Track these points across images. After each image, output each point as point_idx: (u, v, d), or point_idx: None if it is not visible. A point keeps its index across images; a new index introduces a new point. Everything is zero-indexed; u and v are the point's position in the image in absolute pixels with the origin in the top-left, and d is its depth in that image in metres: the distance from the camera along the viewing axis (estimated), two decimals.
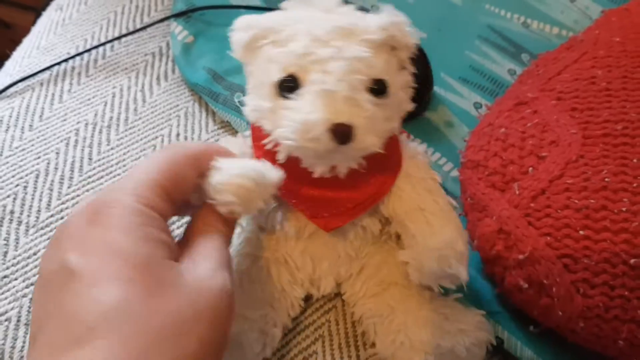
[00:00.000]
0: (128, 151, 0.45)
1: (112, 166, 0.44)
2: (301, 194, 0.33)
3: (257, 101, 0.32)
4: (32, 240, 0.40)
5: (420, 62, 0.40)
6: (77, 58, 0.51)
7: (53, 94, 0.48)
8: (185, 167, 0.28)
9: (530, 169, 0.36)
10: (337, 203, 0.33)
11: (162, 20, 0.53)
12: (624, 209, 0.33)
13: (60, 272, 0.22)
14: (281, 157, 0.31)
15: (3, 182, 0.43)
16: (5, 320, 0.37)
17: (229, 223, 0.29)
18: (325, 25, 0.31)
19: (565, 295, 0.33)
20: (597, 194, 0.34)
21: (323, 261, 0.36)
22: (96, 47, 0.51)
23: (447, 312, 0.35)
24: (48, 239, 0.40)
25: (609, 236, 0.32)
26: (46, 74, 0.50)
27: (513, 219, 0.35)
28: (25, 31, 0.57)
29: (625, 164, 0.34)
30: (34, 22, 0.58)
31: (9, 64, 0.52)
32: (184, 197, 0.28)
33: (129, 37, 0.53)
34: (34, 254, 0.39)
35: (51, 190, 0.43)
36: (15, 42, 0.56)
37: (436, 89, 0.50)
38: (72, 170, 0.44)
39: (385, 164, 0.33)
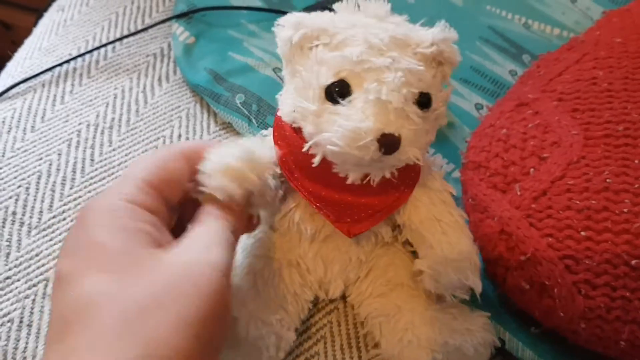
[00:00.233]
0: (130, 152, 0.46)
1: (114, 167, 0.44)
2: (323, 197, 0.33)
3: (301, 102, 0.31)
4: (34, 241, 0.40)
5: None
6: (79, 59, 0.51)
7: (55, 95, 0.48)
8: (174, 163, 0.28)
9: (532, 169, 0.36)
10: (357, 209, 0.33)
11: (163, 22, 0.53)
12: (625, 210, 0.33)
13: (55, 280, 0.24)
14: (317, 160, 0.31)
15: (5, 183, 0.43)
16: (8, 321, 0.37)
17: (233, 211, 0.29)
18: (381, 34, 0.30)
19: (567, 296, 0.33)
20: (599, 194, 0.34)
21: (335, 264, 0.36)
22: (98, 48, 0.51)
23: (454, 312, 0.35)
24: (50, 240, 0.40)
25: (610, 237, 0.32)
26: (48, 75, 0.50)
27: (514, 220, 0.35)
28: (26, 32, 0.57)
29: (627, 165, 0.34)
30: (34, 23, 0.58)
31: (10, 65, 0.52)
32: (180, 193, 0.29)
33: (131, 38, 0.53)
34: (36, 255, 0.40)
35: (53, 191, 0.43)
36: (16, 43, 0.56)
37: None
38: (74, 172, 0.44)
39: (405, 173, 0.33)
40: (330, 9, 0.52)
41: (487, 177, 0.38)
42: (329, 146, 0.30)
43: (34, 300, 0.38)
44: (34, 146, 0.45)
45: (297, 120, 0.32)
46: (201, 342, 0.23)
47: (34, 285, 0.38)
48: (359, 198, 0.33)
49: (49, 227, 0.41)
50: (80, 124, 0.47)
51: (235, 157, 0.28)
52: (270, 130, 0.35)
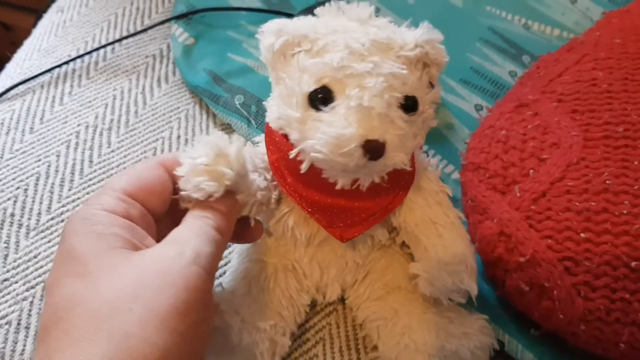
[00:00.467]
0: (129, 154, 0.45)
1: (112, 169, 0.44)
2: (315, 202, 0.33)
3: (285, 110, 0.31)
4: (32, 243, 0.40)
5: None
6: (78, 60, 0.51)
7: (54, 97, 0.48)
8: (151, 171, 0.29)
9: (531, 171, 0.36)
10: (351, 213, 0.33)
11: (162, 23, 0.53)
12: (624, 211, 0.33)
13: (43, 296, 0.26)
14: (304, 167, 0.31)
15: (4, 184, 0.43)
16: (6, 323, 0.37)
17: (215, 209, 0.29)
18: (362, 38, 0.30)
19: (566, 298, 0.33)
20: (598, 196, 0.34)
21: (331, 268, 0.36)
22: (97, 49, 0.51)
23: (452, 316, 0.35)
24: (49, 241, 0.40)
25: (609, 239, 0.32)
26: (47, 77, 0.50)
27: (514, 222, 0.35)
28: (26, 33, 0.57)
29: (626, 167, 0.34)
30: (34, 24, 0.58)
31: (9, 66, 0.52)
32: (162, 200, 0.29)
33: (130, 39, 0.53)
34: (35, 257, 0.39)
35: (52, 193, 0.43)
36: (15, 44, 0.56)
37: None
38: (72, 173, 0.44)
39: (399, 176, 0.33)
40: None
41: (487, 179, 0.38)
42: (313, 153, 0.29)
43: (31, 302, 0.38)
44: (33, 148, 0.45)
45: (283, 127, 0.32)
46: (180, 336, 0.23)
47: (32, 287, 0.38)
48: (352, 202, 0.33)
49: (47, 228, 0.41)
50: (79, 125, 0.47)
51: (202, 155, 0.28)
52: (263, 136, 0.35)
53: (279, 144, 0.32)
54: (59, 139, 0.46)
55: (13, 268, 0.39)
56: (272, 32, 0.32)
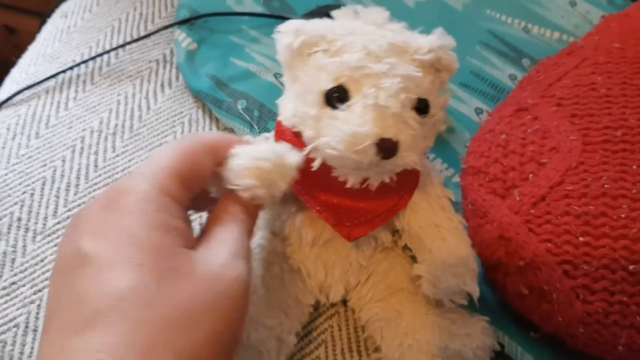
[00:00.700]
0: (133, 158, 0.46)
1: (117, 173, 0.45)
2: (322, 201, 0.34)
3: (301, 107, 0.31)
4: (39, 247, 0.41)
5: None
6: (82, 66, 0.52)
7: (59, 102, 0.49)
8: (203, 155, 0.27)
9: (531, 175, 0.37)
10: (357, 213, 0.34)
11: (165, 28, 0.54)
12: (623, 215, 0.33)
13: (75, 257, 0.23)
14: (316, 164, 0.31)
15: (10, 189, 0.43)
16: (14, 326, 0.37)
17: (250, 211, 0.29)
18: (380, 40, 0.31)
19: (565, 301, 0.33)
20: (597, 200, 0.34)
21: (335, 269, 0.37)
22: (101, 54, 0.52)
23: (454, 317, 0.36)
24: (55, 245, 0.41)
25: (608, 242, 0.33)
26: (52, 82, 0.50)
27: (514, 226, 0.35)
28: (30, 36, 0.58)
29: (625, 171, 0.35)
30: (38, 28, 0.59)
31: (15, 71, 0.53)
32: (202, 186, 0.28)
33: (133, 45, 0.54)
34: (42, 260, 0.40)
35: (57, 197, 0.43)
36: (19, 48, 0.57)
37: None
38: (78, 178, 0.44)
39: (404, 178, 0.33)
40: (330, 15, 0.52)
41: (487, 183, 0.39)
42: (327, 150, 0.30)
43: (39, 305, 0.38)
44: (39, 152, 0.46)
45: (297, 124, 0.32)
46: (223, 358, 0.23)
47: (39, 291, 0.39)
48: (358, 202, 0.34)
49: (53, 232, 0.41)
50: (84, 130, 0.47)
51: (265, 159, 0.28)
52: (272, 134, 0.35)
53: (289, 142, 0.33)
54: (64, 144, 0.46)
55: (20, 272, 0.39)
56: (290, 32, 0.32)
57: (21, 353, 0.36)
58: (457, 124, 0.50)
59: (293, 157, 0.29)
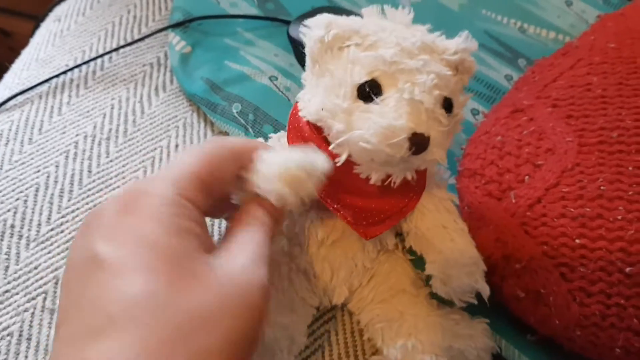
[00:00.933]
0: (127, 163, 0.46)
1: (111, 179, 0.45)
2: (339, 200, 0.34)
3: (332, 100, 0.31)
4: (32, 254, 0.40)
5: None
6: (76, 70, 0.51)
7: (52, 107, 0.49)
8: (225, 161, 0.27)
9: (527, 177, 0.36)
10: (369, 213, 0.34)
11: (159, 31, 0.54)
12: (619, 217, 0.33)
13: (88, 261, 0.22)
14: (342, 159, 0.31)
15: (3, 196, 0.43)
16: (8, 335, 0.37)
17: (275, 215, 0.28)
18: (412, 38, 0.31)
19: (562, 304, 0.33)
20: (593, 202, 0.34)
21: (341, 270, 0.37)
22: (94, 58, 0.52)
23: (457, 318, 0.36)
24: (49, 252, 0.41)
25: (604, 244, 0.33)
26: (45, 87, 0.50)
27: (510, 228, 0.35)
28: (25, 39, 0.58)
29: (621, 172, 0.34)
30: (33, 31, 0.59)
31: (7, 76, 0.52)
32: (223, 192, 0.28)
33: (127, 48, 0.53)
34: (35, 268, 0.40)
35: (51, 203, 0.43)
36: (14, 50, 0.57)
37: None
38: (71, 184, 0.44)
39: (416, 180, 0.33)
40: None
41: (483, 185, 0.38)
42: (361, 143, 0.30)
43: (33, 313, 0.38)
44: (32, 158, 0.45)
45: (324, 118, 0.32)
46: None
47: (33, 299, 0.38)
48: (369, 203, 0.34)
49: (47, 239, 0.41)
50: (77, 135, 0.47)
51: (295, 163, 0.28)
52: (282, 133, 0.35)
53: (307, 139, 0.33)
54: (57, 150, 0.46)
55: (14, 279, 0.39)
56: (322, 25, 0.32)
57: None
58: None
59: (323, 161, 0.29)
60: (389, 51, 0.30)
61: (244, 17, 0.55)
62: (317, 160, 0.28)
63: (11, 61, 0.55)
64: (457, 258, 0.33)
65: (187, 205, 0.24)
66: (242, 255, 0.25)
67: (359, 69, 0.31)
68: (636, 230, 0.32)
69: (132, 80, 0.51)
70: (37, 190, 0.43)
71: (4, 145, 0.46)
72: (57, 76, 0.50)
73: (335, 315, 0.39)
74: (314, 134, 0.32)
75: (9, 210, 0.42)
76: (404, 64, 0.30)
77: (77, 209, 0.43)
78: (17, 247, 0.41)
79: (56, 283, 0.39)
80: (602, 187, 0.34)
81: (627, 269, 0.32)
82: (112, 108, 0.49)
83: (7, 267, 0.40)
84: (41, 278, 0.39)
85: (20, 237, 0.41)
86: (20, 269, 0.40)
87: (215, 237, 0.42)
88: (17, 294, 0.39)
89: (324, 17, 0.32)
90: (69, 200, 0.43)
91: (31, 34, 0.58)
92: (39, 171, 0.45)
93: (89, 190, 0.44)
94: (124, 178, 0.45)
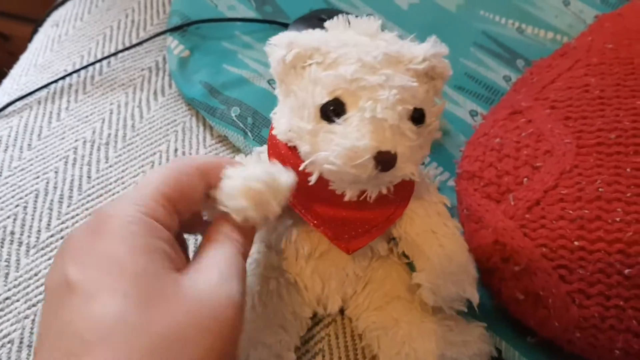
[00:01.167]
0: (126, 168, 0.46)
1: (110, 184, 0.45)
2: (319, 214, 0.33)
3: (296, 122, 0.31)
4: (32, 261, 0.40)
5: None
6: (74, 75, 0.51)
7: (51, 112, 0.49)
8: (192, 178, 0.27)
9: (525, 179, 0.36)
10: (354, 224, 0.34)
11: (157, 35, 0.54)
12: (617, 219, 0.33)
13: (61, 286, 0.23)
14: (314, 179, 0.31)
15: (3, 202, 0.43)
16: (8, 342, 0.37)
17: (245, 233, 0.28)
18: (374, 51, 0.30)
19: (561, 306, 0.33)
20: (591, 204, 0.34)
21: (332, 281, 0.37)
22: (93, 63, 0.52)
23: (451, 324, 0.36)
24: (49, 259, 0.41)
25: (603, 246, 0.33)
26: (43, 92, 0.50)
27: (509, 231, 0.35)
28: (24, 43, 0.58)
29: (619, 174, 0.34)
30: (31, 36, 0.59)
31: (6, 82, 0.52)
32: (192, 209, 0.28)
33: (125, 53, 0.53)
34: (35, 274, 0.40)
35: (51, 210, 0.43)
36: (13, 54, 0.57)
37: None
38: (71, 189, 0.44)
39: (400, 187, 0.33)
40: (324, 20, 0.52)
41: (481, 187, 0.38)
42: (326, 165, 0.30)
43: (33, 320, 0.38)
44: (31, 164, 0.45)
45: (292, 139, 0.32)
46: None
47: (34, 305, 0.39)
48: (355, 214, 0.33)
49: (47, 246, 0.41)
50: (76, 140, 0.47)
51: (258, 180, 0.27)
52: (265, 147, 0.35)
53: (284, 156, 0.32)
54: (57, 155, 0.46)
55: (14, 286, 0.39)
56: (283, 45, 0.32)
57: None
58: (451, 127, 0.49)
59: (286, 177, 0.29)
60: (349, 68, 0.30)
61: (241, 20, 0.55)
62: (280, 175, 0.28)
63: (10, 65, 0.55)
64: (444, 266, 0.33)
65: (153, 224, 0.25)
66: (211, 272, 0.25)
67: (320, 89, 0.30)
68: (635, 232, 0.32)
69: (130, 85, 0.51)
70: (36, 196, 0.44)
71: (3, 152, 0.46)
72: (55, 81, 0.50)
73: (335, 319, 0.39)
74: (290, 151, 0.32)
75: (8, 217, 0.42)
76: (365, 81, 0.29)
77: (77, 215, 0.43)
78: (17, 254, 0.41)
79: None
80: (600, 189, 0.34)
81: (626, 271, 0.32)
82: (111, 113, 0.49)
83: (7, 274, 0.40)
84: (42, 285, 0.39)
85: (20, 243, 0.41)
86: (21, 276, 0.40)
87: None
88: (17, 301, 0.39)
89: (286, 36, 0.32)
90: (68, 206, 0.43)
91: (30, 38, 0.58)
92: (38, 177, 0.45)
93: (89, 195, 0.44)
94: (123, 183, 0.45)
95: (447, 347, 0.34)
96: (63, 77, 0.51)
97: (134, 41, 0.54)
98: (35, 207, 0.43)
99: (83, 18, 0.57)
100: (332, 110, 0.30)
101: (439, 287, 0.34)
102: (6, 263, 0.40)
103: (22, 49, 0.57)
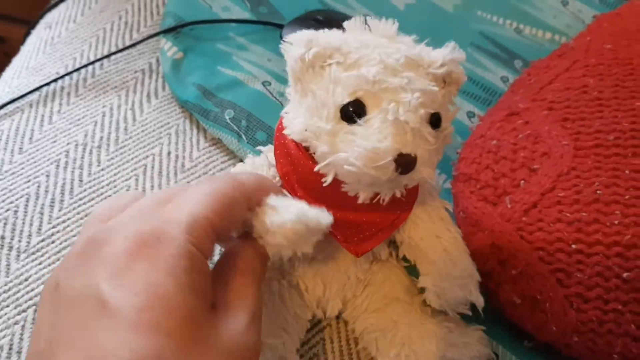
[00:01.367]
0: (119, 172, 0.45)
1: (102, 187, 0.44)
2: None
3: (314, 122, 0.30)
4: (23, 266, 0.40)
5: None
6: (67, 77, 0.51)
7: (43, 115, 0.48)
8: (237, 204, 0.26)
9: (522, 181, 0.36)
10: (360, 228, 0.33)
11: (151, 37, 0.53)
12: (616, 221, 0.33)
13: (89, 300, 0.21)
14: (329, 180, 0.31)
15: None
16: None
17: (264, 260, 0.28)
18: (396, 54, 0.30)
19: (559, 310, 0.32)
20: (589, 206, 0.33)
21: (333, 284, 0.36)
22: (85, 66, 0.51)
23: (451, 326, 0.35)
24: (39, 264, 0.40)
25: (601, 249, 0.32)
26: (35, 95, 0.50)
27: (505, 234, 0.35)
28: (20, 45, 0.57)
29: (617, 176, 0.34)
30: (24, 38, 0.58)
31: None
32: (230, 234, 0.28)
33: (118, 55, 0.53)
34: (26, 280, 0.39)
35: (42, 214, 0.42)
36: (9, 56, 0.56)
37: None
38: (62, 193, 0.44)
39: (407, 191, 0.33)
40: (319, 21, 0.52)
41: (478, 190, 0.38)
42: (346, 166, 0.29)
43: (23, 326, 0.37)
44: (22, 168, 0.45)
45: (309, 139, 0.31)
46: None
47: (24, 311, 0.38)
48: (362, 216, 0.33)
49: (38, 250, 0.41)
50: (68, 144, 0.46)
51: (301, 224, 0.27)
52: (270, 147, 0.35)
53: (294, 157, 0.32)
54: (48, 159, 0.45)
55: (4, 292, 0.39)
56: (302, 42, 0.31)
57: None
58: None
59: (326, 219, 0.28)
60: (371, 70, 0.29)
61: (236, 21, 0.55)
62: (320, 217, 0.28)
63: (5, 68, 0.54)
64: (450, 270, 0.33)
65: (198, 256, 0.23)
66: (242, 313, 0.25)
67: (341, 90, 0.30)
68: (633, 235, 0.32)
69: (123, 87, 0.51)
70: (27, 200, 0.43)
71: None
72: (47, 84, 0.50)
73: (331, 323, 0.39)
74: (300, 152, 0.32)
75: None
76: (387, 83, 0.29)
77: (68, 219, 0.42)
78: (7, 259, 0.40)
79: None
80: (598, 191, 0.34)
81: (625, 274, 0.31)
82: (104, 116, 0.49)
83: None
84: (32, 290, 0.39)
85: (11, 248, 0.41)
86: (11, 281, 0.39)
87: None
88: (7, 306, 0.38)
89: (305, 34, 0.31)
90: (59, 210, 0.43)
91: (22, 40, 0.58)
92: (29, 181, 0.44)
93: (80, 199, 0.43)
94: (115, 187, 0.44)
95: (447, 348, 0.34)
96: (55, 80, 0.50)
97: (127, 43, 0.54)
98: (26, 211, 0.42)
99: (76, 20, 0.56)
100: (353, 111, 0.29)
101: (444, 290, 0.33)
102: None
103: (18, 51, 0.56)
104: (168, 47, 0.52)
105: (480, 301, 0.33)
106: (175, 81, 0.50)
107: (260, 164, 0.35)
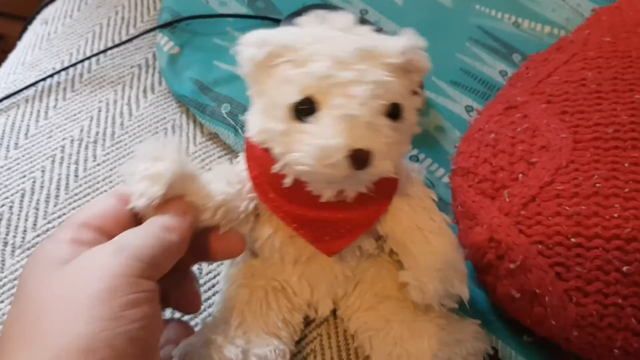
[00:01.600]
0: (114, 167, 0.45)
1: (98, 182, 0.44)
2: (299, 216, 0.32)
3: (267, 123, 0.30)
4: (18, 261, 0.40)
5: None
6: (63, 73, 0.51)
7: (38, 111, 0.48)
8: (100, 202, 0.30)
9: (521, 175, 0.36)
10: (336, 225, 0.33)
11: (147, 32, 0.53)
12: (615, 215, 0.32)
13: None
14: (288, 180, 0.30)
15: None
16: None
17: (163, 211, 0.29)
18: (347, 46, 0.30)
19: (558, 305, 0.32)
20: (589, 200, 0.33)
21: (321, 284, 0.36)
22: (81, 61, 0.51)
23: (443, 323, 0.35)
24: None
25: (601, 243, 0.32)
26: (31, 90, 0.49)
27: (504, 227, 0.34)
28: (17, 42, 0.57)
29: (617, 169, 0.34)
30: (20, 34, 0.58)
31: None
32: (113, 222, 0.29)
33: (115, 50, 0.53)
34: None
35: (37, 209, 0.42)
36: (7, 53, 0.56)
37: (427, 93, 0.50)
38: (58, 189, 0.43)
39: (382, 184, 0.32)
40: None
41: (476, 184, 0.38)
42: (298, 166, 0.29)
43: None
44: (18, 164, 0.45)
45: (266, 141, 0.31)
46: (104, 321, 0.24)
47: None
48: (336, 214, 0.32)
49: (33, 246, 0.40)
50: (64, 139, 0.46)
51: (140, 164, 0.29)
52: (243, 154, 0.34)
53: (260, 159, 0.32)
54: (44, 154, 0.45)
55: None
56: (253, 44, 0.31)
57: None
58: (447, 122, 0.49)
59: (166, 145, 0.29)
60: (320, 65, 0.29)
61: (233, 16, 0.54)
62: (155, 148, 0.29)
63: (2, 65, 0.54)
64: (429, 263, 0.33)
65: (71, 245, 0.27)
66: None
67: (290, 88, 0.29)
68: (633, 228, 0.32)
69: (120, 82, 0.51)
70: (22, 196, 0.43)
71: None
72: (43, 79, 0.50)
73: (328, 319, 0.39)
74: (265, 153, 0.32)
75: None
76: (337, 77, 0.29)
77: (64, 214, 0.42)
78: (2, 255, 0.40)
79: None
80: (597, 185, 0.33)
81: (625, 268, 0.31)
82: (100, 111, 0.48)
83: None
84: None
85: (6, 244, 0.40)
86: (6, 277, 0.39)
87: None
88: (2, 302, 0.38)
89: (255, 34, 0.31)
90: (55, 206, 0.42)
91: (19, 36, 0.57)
92: (24, 176, 0.44)
93: (76, 195, 0.43)
94: (111, 182, 0.44)
95: (440, 347, 0.34)
96: (51, 75, 0.50)
97: (124, 38, 0.54)
98: (21, 207, 0.42)
99: (72, 15, 0.56)
100: (304, 110, 0.29)
101: (425, 284, 0.33)
102: None
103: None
104: (164, 42, 0.52)
105: (464, 293, 0.33)
106: (172, 76, 0.50)
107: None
